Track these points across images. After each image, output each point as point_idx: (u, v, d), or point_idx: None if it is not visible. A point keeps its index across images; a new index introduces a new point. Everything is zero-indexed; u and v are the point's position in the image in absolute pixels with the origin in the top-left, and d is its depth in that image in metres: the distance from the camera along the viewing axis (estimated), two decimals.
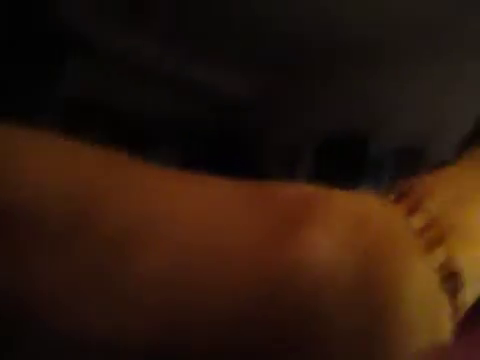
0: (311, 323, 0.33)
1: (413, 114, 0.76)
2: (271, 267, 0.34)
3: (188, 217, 0.36)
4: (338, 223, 0.41)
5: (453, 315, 0.52)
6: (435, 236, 0.58)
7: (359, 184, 0.74)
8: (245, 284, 0.34)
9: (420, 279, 0.48)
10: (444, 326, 0.48)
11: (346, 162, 0.62)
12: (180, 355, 0.33)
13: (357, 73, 0.81)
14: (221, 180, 0.38)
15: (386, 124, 0.76)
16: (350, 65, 0.81)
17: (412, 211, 0.59)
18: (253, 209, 0.38)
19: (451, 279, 0.57)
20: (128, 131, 0.96)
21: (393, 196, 0.60)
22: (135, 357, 0.31)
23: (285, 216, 0.38)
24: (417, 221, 0.61)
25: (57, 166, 0.36)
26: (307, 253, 0.36)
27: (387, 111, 0.77)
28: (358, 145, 0.70)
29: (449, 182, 0.69)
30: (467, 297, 0.60)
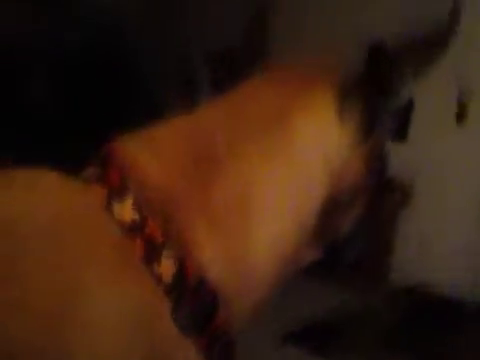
0: None
1: None
2: None
3: None
4: None
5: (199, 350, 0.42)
6: (157, 231, 0.41)
7: None
8: None
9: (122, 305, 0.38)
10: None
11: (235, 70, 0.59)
12: None
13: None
14: None
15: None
16: None
17: (119, 194, 0.43)
18: None
19: (198, 292, 0.41)
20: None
21: (93, 172, 0.46)
22: None
23: None
24: (127, 211, 0.42)
25: None
26: None
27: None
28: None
29: (177, 140, 0.49)
30: (236, 312, 0.45)
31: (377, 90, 0.54)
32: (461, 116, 3.30)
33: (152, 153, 0.46)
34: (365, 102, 0.53)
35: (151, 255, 0.40)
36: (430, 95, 3.43)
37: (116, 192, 0.42)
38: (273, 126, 0.50)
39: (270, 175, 0.48)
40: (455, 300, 3.11)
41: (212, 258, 0.43)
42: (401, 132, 3.54)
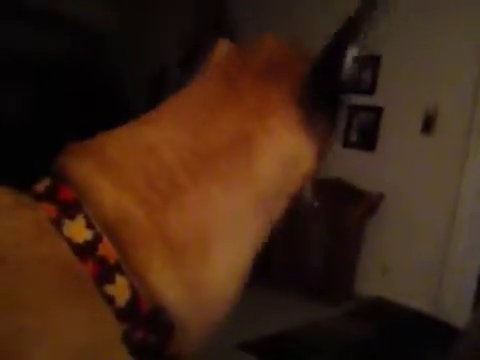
0: None
1: None
2: None
3: None
4: None
5: None
6: (110, 252, 0.39)
7: None
8: None
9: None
10: None
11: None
12: None
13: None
14: None
15: None
16: None
17: (70, 212, 0.40)
18: None
19: (153, 320, 0.40)
20: None
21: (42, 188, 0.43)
22: None
23: None
24: (78, 229, 0.40)
25: None
26: None
27: None
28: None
29: (134, 154, 0.45)
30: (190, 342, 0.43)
31: (335, 79, 0.51)
32: (428, 128, 3.37)
33: (105, 170, 0.43)
34: (327, 100, 0.51)
35: (103, 276, 0.39)
36: (398, 107, 3.50)
37: (67, 210, 0.40)
38: (234, 148, 0.47)
39: (230, 200, 0.46)
40: (418, 313, 3.16)
41: (169, 286, 0.41)
42: (369, 142, 3.60)
